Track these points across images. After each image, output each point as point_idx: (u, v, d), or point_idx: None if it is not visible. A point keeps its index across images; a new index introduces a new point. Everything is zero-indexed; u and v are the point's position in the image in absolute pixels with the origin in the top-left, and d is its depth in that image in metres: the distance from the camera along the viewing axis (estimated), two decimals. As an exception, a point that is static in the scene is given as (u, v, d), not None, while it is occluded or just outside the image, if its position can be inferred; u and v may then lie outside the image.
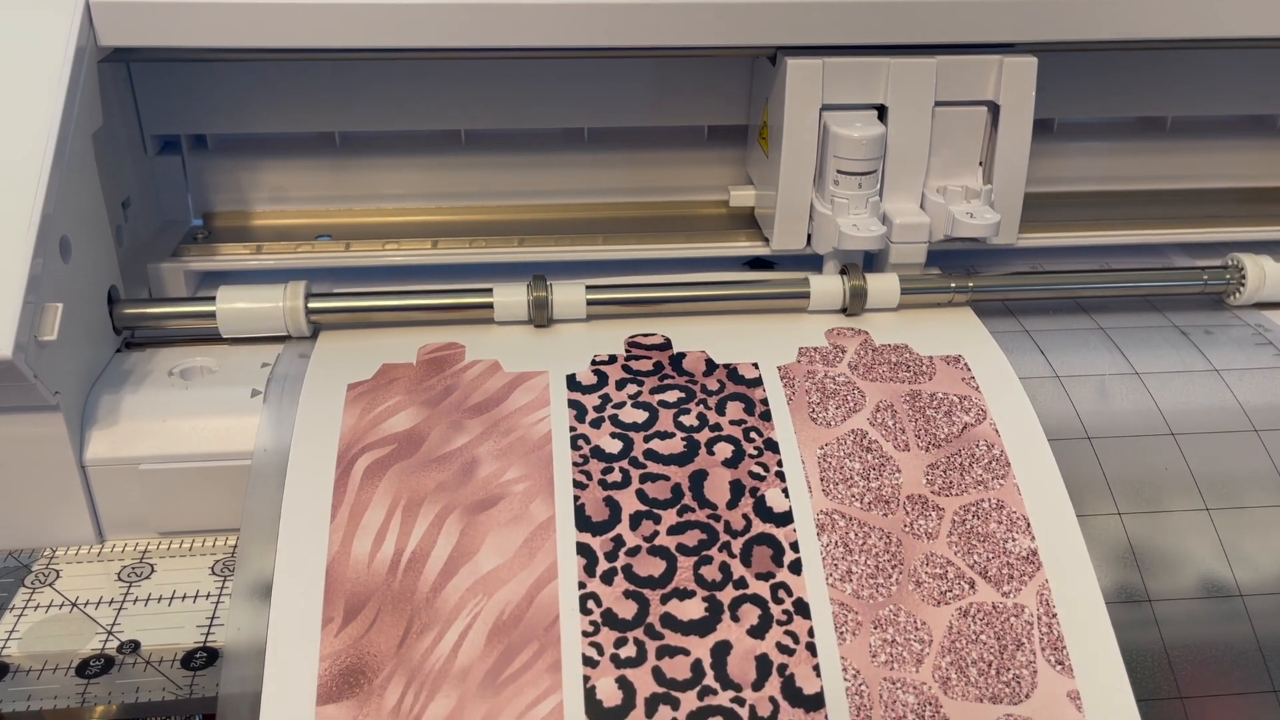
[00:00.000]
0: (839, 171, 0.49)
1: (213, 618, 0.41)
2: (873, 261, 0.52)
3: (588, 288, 0.48)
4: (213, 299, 0.47)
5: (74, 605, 0.41)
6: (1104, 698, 0.37)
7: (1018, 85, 0.50)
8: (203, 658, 0.39)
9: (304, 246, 0.53)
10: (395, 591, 0.38)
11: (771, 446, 0.42)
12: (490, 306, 0.48)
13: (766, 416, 0.43)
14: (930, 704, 0.36)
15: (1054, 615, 0.38)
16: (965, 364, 0.45)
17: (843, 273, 0.49)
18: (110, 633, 0.40)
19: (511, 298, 0.48)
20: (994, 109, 0.50)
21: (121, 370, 0.46)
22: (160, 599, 0.41)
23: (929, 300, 0.49)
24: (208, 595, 0.42)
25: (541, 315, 0.48)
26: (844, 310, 0.49)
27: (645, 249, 0.54)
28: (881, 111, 0.50)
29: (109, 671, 0.38)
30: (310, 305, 0.47)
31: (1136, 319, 0.50)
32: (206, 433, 0.43)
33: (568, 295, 0.48)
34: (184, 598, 0.42)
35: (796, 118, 0.49)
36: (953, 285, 0.49)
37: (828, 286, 0.48)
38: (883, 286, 0.48)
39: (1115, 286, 0.51)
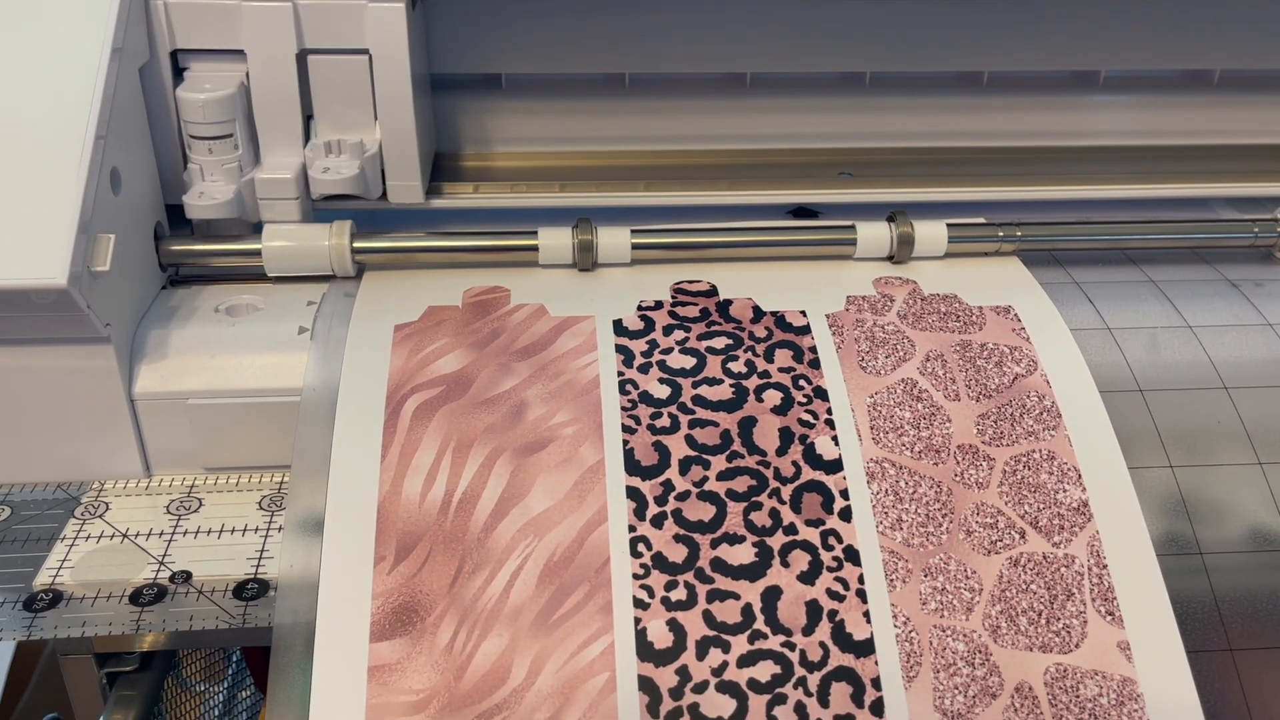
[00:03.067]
0: (190, 136, 0.47)
1: (262, 551, 0.41)
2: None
3: (633, 231, 0.48)
4: (258, 237, 0.47)
5: (124, 536, 0.41)
6: (1154, 649, 0.37)
7: (387, 32, 0.47)
8: (254, 588, 0.39)
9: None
10: (447, 531, 0.38)
11: (820, 394, 0.42)
12: (535, 249, 0.48)
13: (815, 364, 0.43)
14: (980, 651, 0.36)
15: (1104, 566, 0.38)
16: (1015, 314, 0.45)
17: (890, 220, 0.48)
18: (162, 563, 0.40)
19: (556, 240, 0.48)
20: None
21: (168, 306, 0.46)
22: (209, 531, 0.42)
23: (976, 249, 0.49)
24: (256, 529, 0.42)
25: (586, 259, 0.48)
26: (890, 258, 0.49)
27: (684, 195, 0.54)
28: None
29: (162, 600, 0.39)
30: (355, 244, 0.47)
31: (1186, 271, 0.49)
32: (254, 368, 0.44)
33: (613, 239, 0.48)
34: (233, 531, 0.42)
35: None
36: (1000, 234, 0.49)
37: (875, 234, 0.48)
38: (930, 234, 0.48)
39: (1165, 238, 0.50)
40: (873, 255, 0.48)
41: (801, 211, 0.55)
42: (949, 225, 0.48)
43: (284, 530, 0.38)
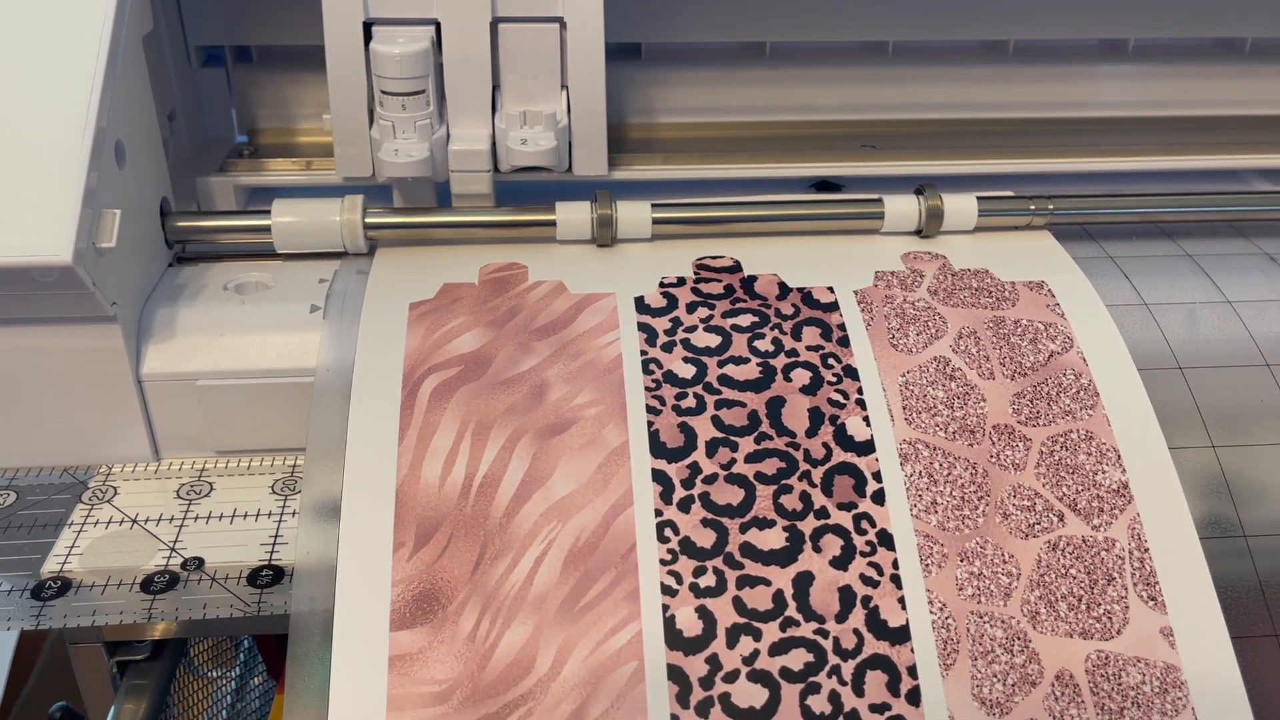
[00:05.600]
0: (383, 92, 0.45)
1: (275, 536, 0.40)
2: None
3: (653, 206, 0.47)
4: (267, 213, 0.45)
5: (134, 522, 0.40)
6: (1198, 635, 0.35)
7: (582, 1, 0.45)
8: (269, 575, 0.38)
9: (355, 163, 0.52)
10: (468, 516, 0.37)
11: (850, 373, 0.40)
12: (553, 225, 0.46)
13: (844, 342, 0.41)
14: (1019, 639, 0.35)
15: (1146, 550, 0.37)
16: (1049, 290, 0.43)
17: (918, 193, 0.47)
18: (173, 549, 0.39)
19: (575, 215, 0.46)
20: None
21: (175, 284, 0.45)
22: (221, 517, 0.40)
23: (1007, 223, 0.47)
24: (269, 514, 0.41)
25: (605, 234, 0.46)
26: (918, 232, 0.47)
27: (701, 169, 0.52)
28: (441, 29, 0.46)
29: (174, 588, 0.37)
30: (368, 220, 0.46)
31: (1222, 245, 0.48)
32: (265, 348, 0.42)
33: (633, 214, 0.46)
34: (245, 516, 0.41)
35: (337, 32, 0.45)
36: (1032, 208, 0.47)
37: (903, 207, 0.47)
38: (960, 208, 0.47)
39: (1201, 210, 0.49)
40: (900, 229, 0.47)
41: (824, 185, 0.54)
42: (979, 199, 0.47)
43: (299, 515, 0.37)
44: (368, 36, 0.45)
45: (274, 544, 0.39)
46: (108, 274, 0.39)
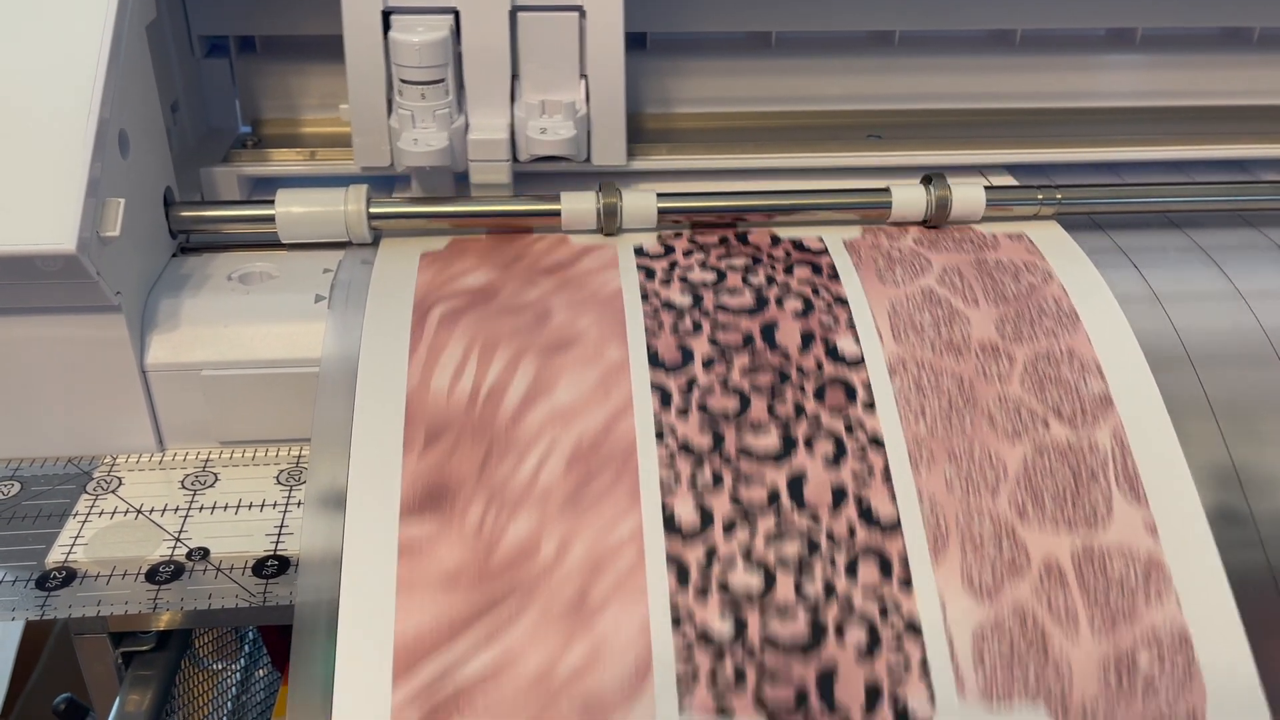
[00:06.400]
0: (402, 81, 0.45)
1: (281, 526, 0.39)
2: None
3: (659, 195, 0.46)
4: (271, 202, 0.45)
5: (139, 512, 0.40)
6: (1179, 528, 0.37)
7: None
8: (274, 566, 0.38)
9: (359, 153, 0.51)
10: (475, 421, 0.38)
11: (841, 302, 0.42)
12: (558, 214, 0.46)
13: (834, 277, 0.43)
14: (1007, 532, 0.36)
15: (1128, 451, 0.38)
16: (1029, 239, 0.45)
17: (926, 182, 0.47)
18: (178, 540, 0.39)
19: (580, 205, 0.46)
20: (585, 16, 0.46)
21: (179, 274, 0.45)
22: (226, 507, 0.40)
23: (1015, 213, 0.47)
24: (274, 504, 0.40)
25: (611, 224, 0.46)
26: (926, 222, 0.47)
27: (705, 159, 0.52)
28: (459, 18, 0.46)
29: (179, 578, 0.37)
30: (372, 210, 0.45)
31: (1233, 235, 0.48)
32: (270, 339, 0.42)
33: (638, 203, 0.46)
34: (250, 506, 0.40)
35: (356, 21, 0.45)
36: (1040, 197, 0.47)
37: (910, 196, 0.46)
38: (968, 197, 0.46)
39: (1211, 200, 0.48)
40: (908, 219, 0.47)
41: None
42: (987, 188, 0.47)
43: (304, 506, 0.37)
44: (386, 26, 0.45)
45: (279, 534, 0.39)
46: (112, 263, 0.39)
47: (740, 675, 0.33)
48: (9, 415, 0.42)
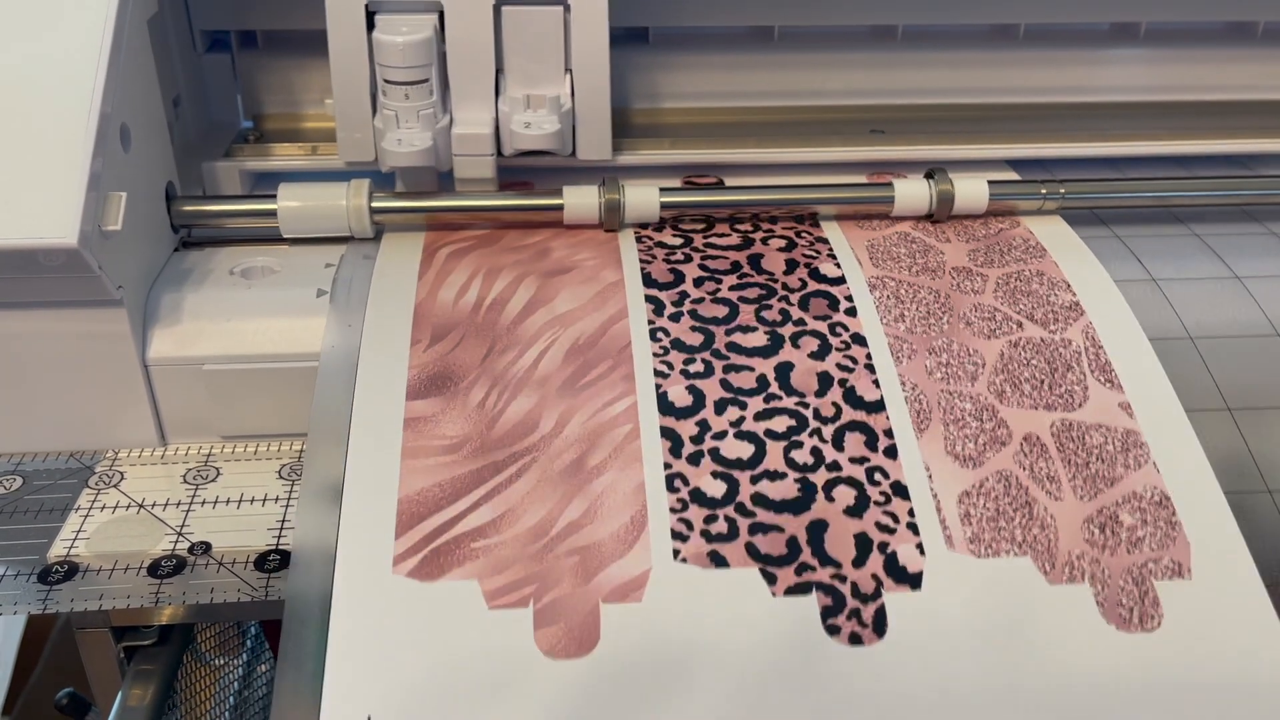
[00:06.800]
0: (385, 81, 0.45)
1: (283, 521, 0.39)
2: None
3: (661, 190, 0.46)
4: (273, 197, 0.45)
5: (141, 506, 0.40)
6: (1154, 409, 0.38)
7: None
8: (276, 560, 0.38)
9: (361, 148, 0.51)
10: (479, 323, 0.41)
11: (822, 240, 0.45)
12: (560, 209, 0.46)
13: (816, 224, 0.47)
14: (987, 410, 0.38)
15: (1100, 347, 0.40)
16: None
17: (929, 176, 0.47)
18: (180, 534, 0.39)
19: (582, 199, 0.46)
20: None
21: (181, 269, 0.45)
22: (228, 501, 0.40)
23: (1018, 207, 0.47)
24: (276, 499, 0.40)
25: (613, 219, 0.46)
26: (929, 216, 0.47)
27: (708, 153, 0.52)
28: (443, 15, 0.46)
29: (181, 572, 0.37)
30: (374, 204, 0.45)
31: (1235, 228, 0.48)
32: (272, 333, 0.42)
33: (640, 197, 0.46)
34: (252, 501, 0.40)
35: (339, 19, 0.45)
36: (1043, 191, 0.47)
37: (913, 190, 0.46)
38: (970, 191, 0.46)
39: (1214, 195, 0.48)
40: (911, 213, 0.47)
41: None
42: (990, 182, 0.47)
43: (300, 498, 0.36)
44: (371, 25, 0.45)
45: (281, 529, 0.39)
46: (113, 257, 0.39)
47: (733, 528, 0.35)
48: (11, 410, 0.42)
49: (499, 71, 0.47)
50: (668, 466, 0.36)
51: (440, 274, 0.43)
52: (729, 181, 0.51)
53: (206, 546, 0.38)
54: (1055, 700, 0.32)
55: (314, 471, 0.37)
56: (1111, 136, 0.53)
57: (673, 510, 0.35)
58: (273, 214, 0.45)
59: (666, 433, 0.37)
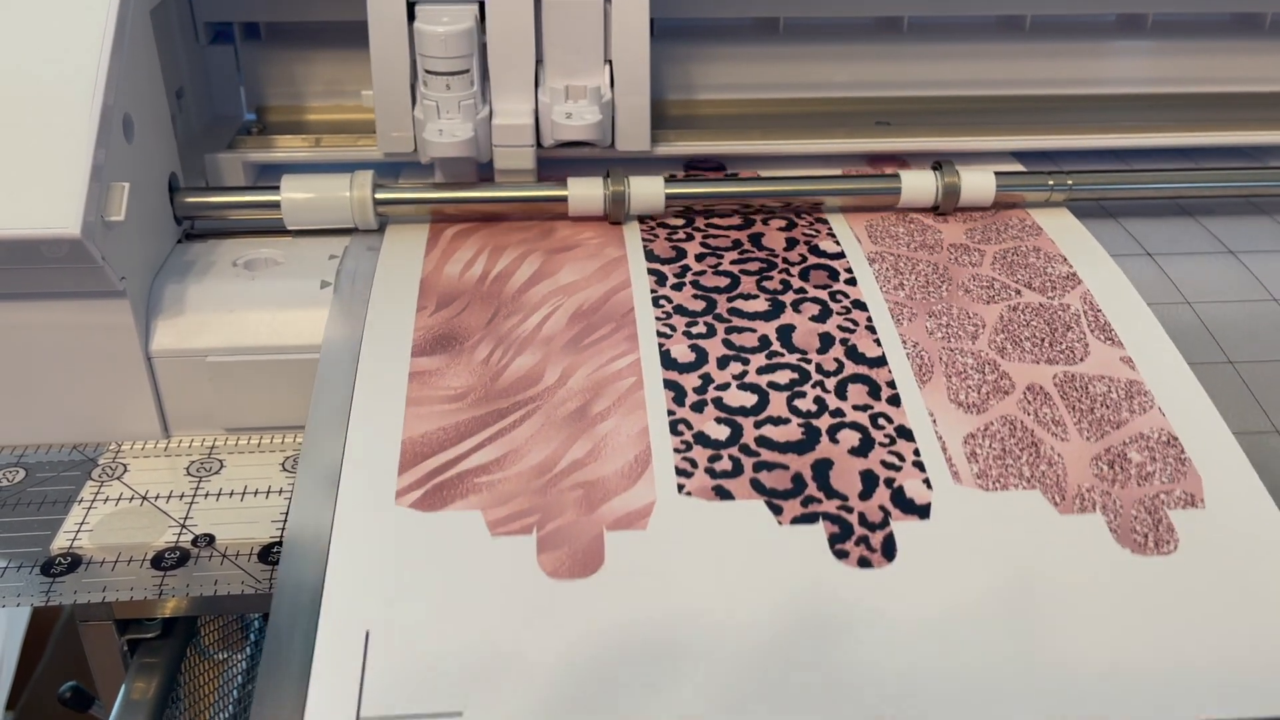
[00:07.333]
0: (426, 71, 0.45)
1: (286, 513, 0.39)
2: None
3: (666, 180, 0.46)
4: (276, 188, 0.45)
5: (144, 498, 0.40)
6: (1156, 363, 0.38)
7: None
8: (280, 552, 0.37)
9: (364, 140, 0.51)
10: (484, 292, 0.42)
11: (821, 220, 0.46)
12: (564, 200, 0.46)
13: (817, 207, 0.47)
14: (989, 364, 0.38)
15: (1099, 310, 0.41)
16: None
17: (935, 168, 0.46)
18: (184, 526, 0.39)
19: (587, 190, 0.46)
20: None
21: (184, 260, 0.44)
22: (232, 494, 0.40)
23: (1025, 199, 0.47)
24: (280, 491, 0.40)
25: (618, 210, 0.46)
26: (935, 209, 0.47)
27: (714, 144, 0.52)
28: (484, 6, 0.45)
29: (185, 564, 0.37)
30: (378, 196, 0.45)
31: (1243, 222, 0.47)
32: (276, 325, 0.42)
33: (645, 188, 0.46)
34: (255, 493, 0.40)
35: (381, 12, 0.45)
36: (1050, 183, 0.47)
37: (919, 182, 0.46)
38: (977, 183, 0.46)
39: (1221, 186, 0.48)
40: (917, 205, 0.47)
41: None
42: (997, 174, 0.46)
43: (297, 486, 0.36)
44: (411, 16, 0.45)
45: (285, 521, 0.39)
46: (116, 248, 0.39)
47: (737, 465, 0.35)
48: (13, 401, 0.41)
49: (538, 62, 0.47)
50: (671, 413, 0.36)
51: (446, 252, 0.44)
52: (732, 172, 0.51)
53: (210, 539, 0.38)
54: (1068, 619, 0.31)
55: (312, 461, 0.36)
56: (1118, 128, 0.53)
57: (676, 450, 0.35)
58: (276, 205, 0.45)
59: (670, 384, 0.37)
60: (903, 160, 0.51)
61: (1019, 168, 0.51)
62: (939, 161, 0.47)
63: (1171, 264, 0.44)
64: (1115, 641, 0.30)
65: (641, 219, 0.45)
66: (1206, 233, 0.47)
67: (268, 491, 0.40)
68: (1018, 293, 0.41)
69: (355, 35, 0.52)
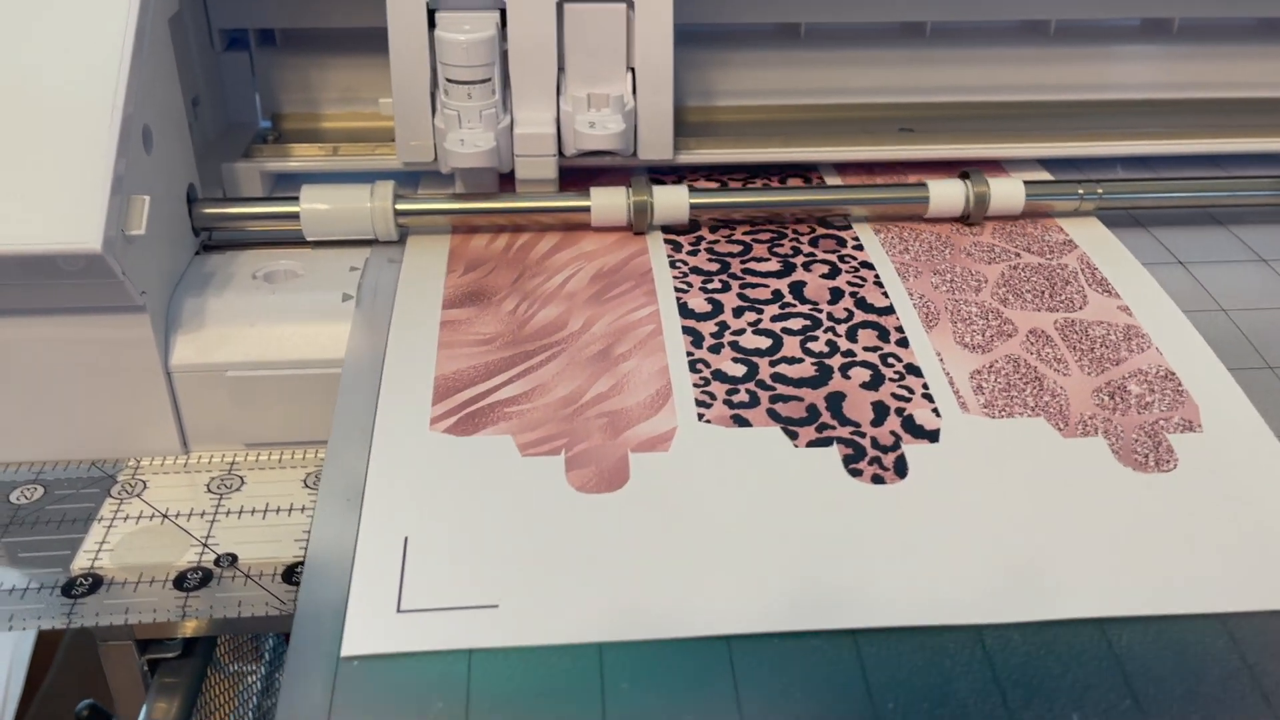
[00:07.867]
0: (448, 80, 0.44)
1: (310, 531, 0.38)
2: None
3: (691, 189, 0.46)
4: (295, 199, 0.44)
5: (165, 517, 0.39)
6: (1153, 311, 0.41)
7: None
8: (303, 573, 0.37)
9: (382, 148, 0.50)
10: (510, 258, 0.44)
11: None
12: (587, 210, 0.45)
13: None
14: (992, 312, 0.41)
15: (1095, 268, 0.43)
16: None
17: (964, 177, 0.46)
18: (205, 545, 0.38)
19: (610, 200, 0.45)
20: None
21: (203, 273, 0.44)
22: (254, 511, 0.39)
23: (1055, 208, 0.46)
24: (302, 509, 0.40)
25: (642, 220, 0.45)
26: (965, 218, 0.46)
27: (734, 153, 0.51)
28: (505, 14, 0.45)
29: (208, 585, 0.36)
30: (399, 207, 0.44)
31: (1273, 230, 0.47)
32: (297, 338, 0.41)
33: (670, 199, 0.45)
34: (278, 511, 0.39)
35: (401, 19, 0.44)
36: (1080, 191, 0.46)
37: (948, 191, 0.46)
38: (1006, 191, 0.46)
39: (1254, 195, 0.47)
40: (945, 215, 0.46)
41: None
42: (1026, 183, 0.46)
43: (319, 503, 0.35)
44: (432, 24, 0.44)
45: (308, 539, 0.38)
46: (136, 262, 0.38)
47: (754, 398, 0.37)
48: (32, 417, 0.41)
49: (560, 70, 0.46)
50: (690, 354, 0.39)
51: (470, 233, 0.46)
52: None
53: (233, 558, 0.37)
54: (1075, 529, 0.32)
55: (334, 478, 0.36)
56: (1144, 135, 0.52)
57: (695, 386, 0.37)
58: (295, 216, 0.44)
59: (688, 330, 0.40)
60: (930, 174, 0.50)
61: (1045, 174, 0.50)
62: (966, 170, 0.46)
63: (1204, 272, 0.44)
64: (1118, 547, 0.32)
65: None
66: (1237, 241, 0.46)
67: (290, 509, 0.40)
68: (1017, 255, 0.44)
69: (371, 42, 0.52)
